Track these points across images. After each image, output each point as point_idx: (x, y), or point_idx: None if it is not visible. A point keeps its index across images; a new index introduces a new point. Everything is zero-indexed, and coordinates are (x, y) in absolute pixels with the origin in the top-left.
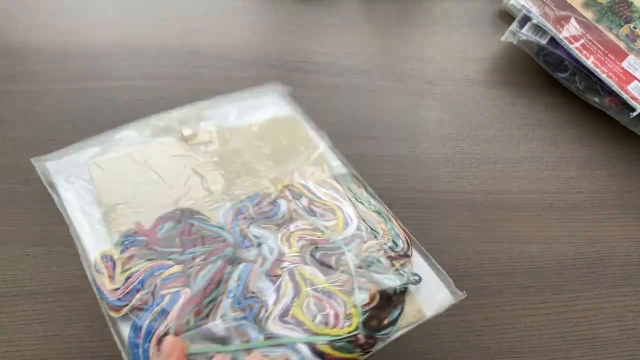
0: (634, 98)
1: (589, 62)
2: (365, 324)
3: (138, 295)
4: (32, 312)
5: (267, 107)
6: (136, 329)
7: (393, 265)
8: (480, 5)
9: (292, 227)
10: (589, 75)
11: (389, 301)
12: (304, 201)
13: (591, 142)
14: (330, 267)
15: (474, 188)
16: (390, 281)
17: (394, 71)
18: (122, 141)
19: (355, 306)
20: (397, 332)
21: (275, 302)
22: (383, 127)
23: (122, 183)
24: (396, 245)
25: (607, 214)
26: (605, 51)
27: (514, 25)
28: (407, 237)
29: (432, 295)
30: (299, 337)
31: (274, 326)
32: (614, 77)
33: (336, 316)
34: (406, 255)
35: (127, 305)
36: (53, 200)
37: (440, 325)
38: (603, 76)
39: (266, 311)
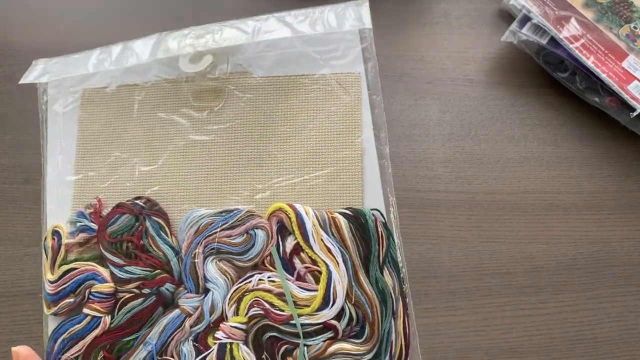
0: (634, 98)
1: (589, 62)
2: None
3: (67, 301)
4: (32, 312)
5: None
6: (54, 339)
7: None
8: (480, 5)
9: (254, 280)
10: (589, 75)
11: None
12: (289, 244)
13: (591, 142)
14: (272, 358)
15: (474, 188)
16: None
17: (394, 71)
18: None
19: None
20: None
21: None
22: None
23: (105, 128)
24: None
25: (607, 214)
26: (606, 51)
27: (514, 25)
28: (403, 350)
29: None
30: None
31: None
32: (614, 77)
33: None
34: None
35: (56, 306)
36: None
37: (440, 325)
38: (603, 76)
39: None
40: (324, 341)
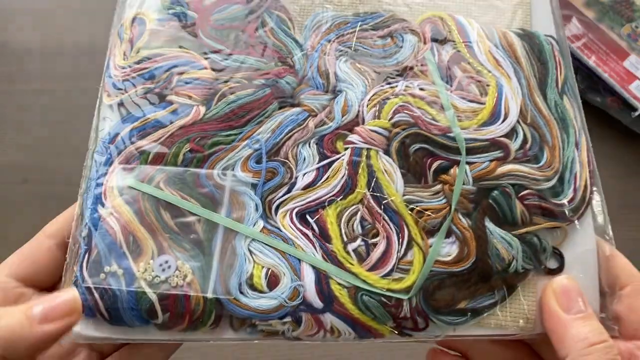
0: (635, 97)
1: (591, 61)
2: (428, 293)
3: (143, 86)
4: None
5: None
6: (115, 131)
7: (532, 222)
8: None
9: (401, 85)
10: (590, 74)
11: (484, 277)
12: (447, 52)
13: (592, 142)
14: (420, 175)
15: None
16: (507, 247)
17: None
18: None
19: (423, 254)
20: (470, 330)
21: (307, 188)
22: None
23: None
24: (560, 190)
25: (608, 214)
26: (607, 50)
27: None
28: (588, 184)
29: None
30: (310, 257)
31: (284, 220)
32: (615, 76)
33: (386, 255)
34: (567, 217)
35: (123, 93)
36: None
37: None
38: (605, 76)
39: (287, 193)
40: (491, 161)
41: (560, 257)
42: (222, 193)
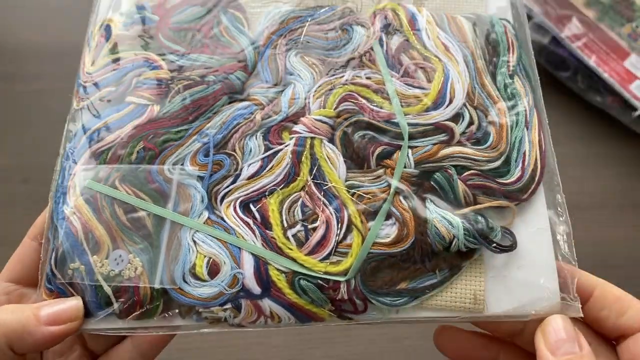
0: (636, 97)
1: (591, 61)
2: (366, 275)
3: (107, 89)
4: None
5: None
6: (79, 134)
7: (476, 201)
8: None
9: (348, 75)
10: (590, 74)
11: (425, 257)
12: (395, 42)
13: (593, 141)
14: (362, 161)
15: None
16: (448, 225)
17: None
18: None
19: (362, 237)
20: (414, 312)
21: (251, 178)
22: None
23: None
24: (506, 170)
25: (609, 214)
26: (607, 50)
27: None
28: (538, 164)
29: (522, 285)
30: (249, 244)
31: (228, 210)
32: (616, 76)
33: (325, 238)
34: (515, 197)
35: (87, 98)
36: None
37: None
38: (605, 75)
39: (232, 183)
40: (435, 144)
41: (511, 235)
42: (170, 186)
